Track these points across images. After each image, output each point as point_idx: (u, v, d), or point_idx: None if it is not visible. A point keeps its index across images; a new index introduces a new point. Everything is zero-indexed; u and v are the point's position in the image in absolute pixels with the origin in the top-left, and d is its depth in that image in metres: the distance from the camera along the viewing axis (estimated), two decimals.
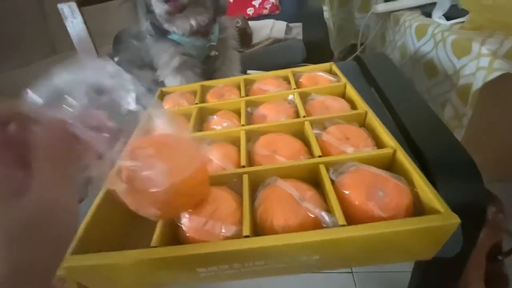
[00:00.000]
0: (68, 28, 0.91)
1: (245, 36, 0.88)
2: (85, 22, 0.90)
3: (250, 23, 0.97)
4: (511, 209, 0.60)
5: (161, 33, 0.55)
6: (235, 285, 0.45)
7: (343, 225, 0.25)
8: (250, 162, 0.37)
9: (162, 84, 0.62)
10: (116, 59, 0.85)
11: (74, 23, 0.90)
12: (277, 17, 1.11)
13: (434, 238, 0.26)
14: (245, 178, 0.32)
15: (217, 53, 0.59)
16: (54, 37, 1.55)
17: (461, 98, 0.62)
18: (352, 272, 0.66)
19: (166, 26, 0.52)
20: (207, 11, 0.52)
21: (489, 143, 0.67)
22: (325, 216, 0.26)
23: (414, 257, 0.29)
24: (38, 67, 1.24)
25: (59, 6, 0.89)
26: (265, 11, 1.13)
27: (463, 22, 0.69)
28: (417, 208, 0.28)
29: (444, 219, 0.24)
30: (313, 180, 0.33)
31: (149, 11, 0.52)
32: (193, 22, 0.51)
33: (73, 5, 0.88)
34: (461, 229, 0.32)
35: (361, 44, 1.10)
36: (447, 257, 0.34)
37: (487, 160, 0.70)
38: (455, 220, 0.24)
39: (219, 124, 0.44)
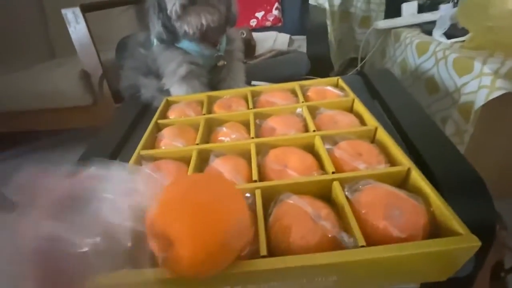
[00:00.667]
0: (71, 33, 0.90)
1: (249, 47, 0.88)
2: (89, 28, 0.90)
3: (253, 34, 0.98)
4: (511, 225, 0.61)
5: (172, 38, 0.54)
6: None
7: (362, 246, 0.24)
8: (261, 176, 0.36)
9: (167, 92, 0.61)
10: (118, 65, 0.84)
11: (77, 28, 0.89)
12: (279, 29, 1.13)
13: (452, 260, 0.25)
14: (258, 193, 0.31)
15: (225, 63, 0.59)
16: (54, 40, 1.54)
17: (462, 115, 0.63)
18: None
19: (177, 25, 0.52)
20: (218, 13, 0.52)
21: (489, 160, 0.68)
22: (345, 237, 0.25)
23: (430, 278, 0.29)
24: (37, 70, 1.23)
25: (63, 11, 0.88)
26: (268, 23, 1.15)
27: (463, 41, 0.71)
28: (433, 228, 0.28)
29: (465, 241, 0.24)
30: (325, 196, 0.32)
31: (161, 9, 0.52)
32: (204, 21, 0.51)
33: (77, 10, 0.88)
34: None
35: (362, 59, 1.12)
36: (458, 277, 0.34)
37: (487, 176, 0.71)
38: (476, 243, 0.24)
39: (227, 136, 0.44)
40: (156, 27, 0.52)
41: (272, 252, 0.27)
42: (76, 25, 0.89)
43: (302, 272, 0.24)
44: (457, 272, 0.32)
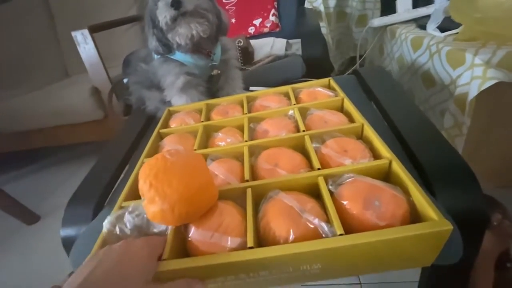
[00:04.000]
0: (81, 54, 0.96)
1: (247, 54, 0.92)
2: (97, 47, 0.96)
3: (252, 41, 1.02)
4: None
5: (167, 50, 0.58)
6: None
7: (341, 234, 0.26)
8: (253, 176, 0.39)
9: (169, 103, 0.65)
10: (125, 80, 0.89)
11: (87, 48, 0.95)
12: (277, 35, 1.15)
13: (429, 244, 0.27)
14: (249, 192, 0.34)
15: (219, 72, 0.63)
16: (67, 60, 1.64)
17: (459, 107, 0.64)
18: (360, 283, 0.66)
19: (170, 37, 0.55)
20: (208, 24, 0.55)
21: (490, 150, 0.68)
22: (324, 226, 0.27)
23: (413, 264, 0.30)
24: (51, 89, 1.31)
25: (73, 33, 0.95)
26: (266, 30, 1.19)
27: (456, 33, 0.72)
28: (414, 217, 0.30)
29: (437, 225, 0.25)
30: (313, 192, 0.34)
31: (155, 25, 0.56)
32: (194, 32, 0.53)
33: (86, 32, 0.94)
34: (460, 235, 0.33)
35: (360, 57, 1.13)
36: (450, 264, 0.35)
37: (490, 166, 0.71)
38: (448, 226, 0.25)
39: (223, 141, 0.47)
40: (152, 42, 0.56)
41: (262, 245, 0.30)
42: (85, 46, 0.96)
43: (286, 261, 0.26)
44: (447, 259, 0.33)
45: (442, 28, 0.77)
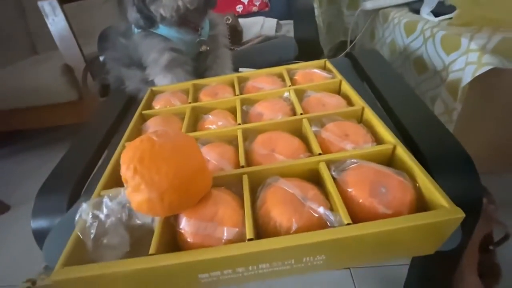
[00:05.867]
0: (50, 26, 0.87)
1: (235, 33, 0.86)
2: (67, 20, 0.86)
3: (240, 20, 0.96)
4: (500, 200, 0.62)
5: (150, 23, 0.52)
6: None
7: (348, 224, 0.24)
8: (248, 161, 0.36)
9: (152, 83, 0.60)
10: (101, 58, 0.82)
11: (56, 20, 0.86)
12: (266, 14, 1.10)
13: (438, 233, 0.26)
14: (245, 178, 0.31)
15: (208, 48, 0.58)
16: (35, 36, 1.49)
17: (450, 93, 0.63)
18: (349, 268, 0.66)
19: (152, 8, 0.49)
20: None
21: (478, 137, 0.69)
22: (330, 216, 0.25)
23: (417, 252, 0.29)
24: (18, 67, 1.18)
25: (39, 3, 0.85)
26: (255, 8, 1.12)
27: (451, 18, 0.71)
28: (420, 203, 0.28)
29: (450, 213, 0.24)
30: (313, 178, 0.32)
31: None
32: (180, 2, 0.48)
33: (54, 2, 0.84)
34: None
35: (351, 41, 1.11)
36: (446, 250, 0.34)
37: (477, 153, 0.72)
38: (460, 214, 0.24)
39: (214, 123, 0.43)
40: (132, 13, 0.50)
41: (261, 235, 0.27)
42: (54, 17, 0.86)
43: (290, 252, 0.24)
44: (445, 245, 0.32)
45: (435, 13, 0.76)
